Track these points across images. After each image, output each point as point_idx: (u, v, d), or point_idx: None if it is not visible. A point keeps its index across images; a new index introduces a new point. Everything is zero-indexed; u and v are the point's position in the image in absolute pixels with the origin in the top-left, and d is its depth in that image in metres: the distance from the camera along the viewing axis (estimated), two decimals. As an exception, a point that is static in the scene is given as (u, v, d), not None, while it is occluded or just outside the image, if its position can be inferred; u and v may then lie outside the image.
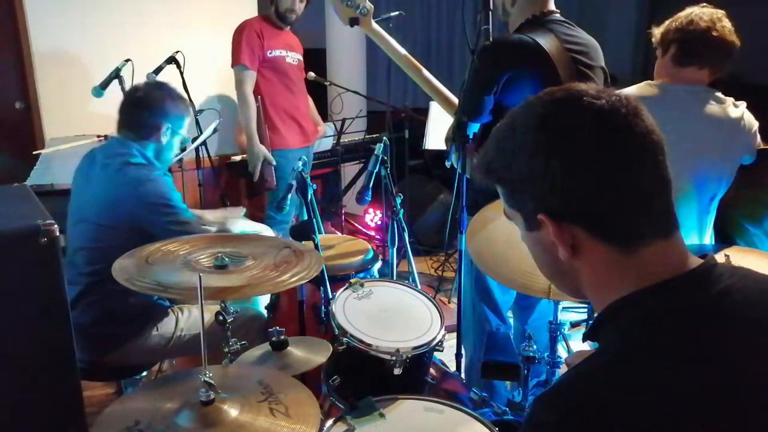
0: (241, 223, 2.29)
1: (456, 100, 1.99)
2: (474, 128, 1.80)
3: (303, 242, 1.80)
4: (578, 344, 2.67)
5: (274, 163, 3.28)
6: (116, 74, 2.90)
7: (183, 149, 2.33)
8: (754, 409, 0.68)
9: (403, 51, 2.02)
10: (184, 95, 2.12)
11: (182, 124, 2.07)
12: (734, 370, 0.69)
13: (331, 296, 1.76)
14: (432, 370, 1.65)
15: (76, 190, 2.04)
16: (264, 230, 2.38)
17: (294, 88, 3.45)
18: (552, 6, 1.91)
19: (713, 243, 1.95)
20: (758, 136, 1.92)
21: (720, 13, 1.84)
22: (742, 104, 1.89)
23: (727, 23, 1.83)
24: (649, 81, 1.92)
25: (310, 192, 1.97)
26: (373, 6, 1.94)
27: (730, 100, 1.87)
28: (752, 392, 0.68)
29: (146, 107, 1.99)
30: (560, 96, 0.78)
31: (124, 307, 1.93)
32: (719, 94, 1.87)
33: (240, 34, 3.25)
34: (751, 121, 1.89)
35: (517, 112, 0.81)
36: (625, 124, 0.74)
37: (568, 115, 0.76)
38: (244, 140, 3.38)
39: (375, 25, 1.96)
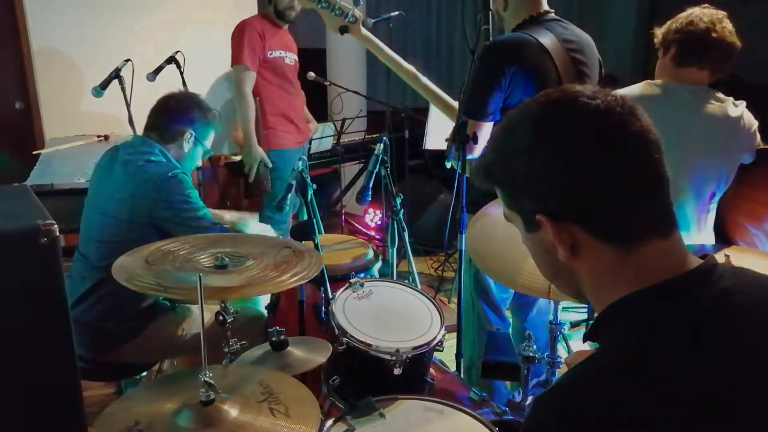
0: (252, 225, 2.31)
1: (453, 103, 1.99)
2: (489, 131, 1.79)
3: (303, 242, 1.80)
4: (578, 344, 2.67)
5: (270, 165, 3.28)
6: (116, 74, 2.90)
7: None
8: (755, 409, 0.68)
9: (394, 55, 2.01)
10: (214, 110, 2.21)
11: (206, 134, 2.14)
12: (735, 370, 0.69)
13: (331, 296, 1.76)
14: (432, 370, 1.65)
15: (95, 183, 2.07)
16: (267, 230, 2.39)
17: (291, 89, 3.45)
18: (546, 6, 1.91)
19: (713, 243, 1.95)
20: (758, 136, 1.92)
21: (721, 14, 1.83)
22: (742, 103, 1.89)
23: (727, 24, 1.82)
24: (649, 80, 1.92)
25: (310, 192, 1.97)
26: (361, 14, 1.95)
27: (729, 99, 1.87)
28: (753, 392, 0.68)
29: (174, 112, 2.06)
30: (556, 97, 0.79)
31: (130, 305, 1.94)
32: (719, 94, 1.87)
33: (241, 34, 3.23)
34: (751, 121, 1.89)
35: (514, 114, 0.82)
36: (621, 123, 0.74)
37: (564, 115, 0.76)
38: (239, 136, 3.37)
39: (365, 32, 1.97)
